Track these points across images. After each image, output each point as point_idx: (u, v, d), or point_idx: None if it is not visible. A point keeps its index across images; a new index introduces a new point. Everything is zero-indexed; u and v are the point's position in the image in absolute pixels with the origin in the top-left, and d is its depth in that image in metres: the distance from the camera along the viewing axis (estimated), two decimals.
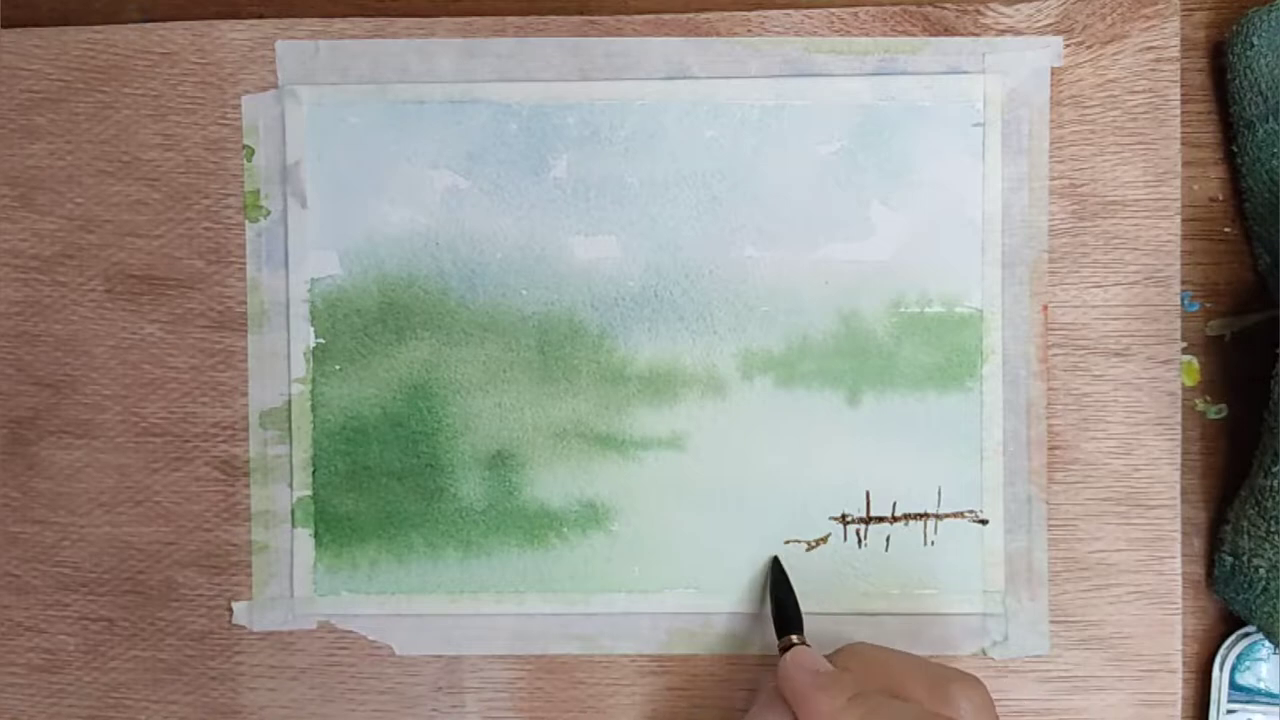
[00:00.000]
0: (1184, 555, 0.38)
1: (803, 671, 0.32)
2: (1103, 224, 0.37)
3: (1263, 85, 0.36)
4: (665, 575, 0.38)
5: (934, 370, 0.38)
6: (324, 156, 0.38)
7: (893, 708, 0.31)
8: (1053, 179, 0.37)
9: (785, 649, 0.35)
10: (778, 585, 0.37)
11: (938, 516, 0.38)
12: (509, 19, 0.38)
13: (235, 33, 0.38)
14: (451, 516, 0.38)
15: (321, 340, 0.38)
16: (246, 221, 0.38)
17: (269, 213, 0.38)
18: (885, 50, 0.37)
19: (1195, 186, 0.38)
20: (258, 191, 0.38)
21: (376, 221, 0.38)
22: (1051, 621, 0.37)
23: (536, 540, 0.38)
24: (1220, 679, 0.38)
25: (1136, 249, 0.37)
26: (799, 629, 0.36)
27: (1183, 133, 0.37)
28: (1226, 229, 0.38)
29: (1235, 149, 0.38)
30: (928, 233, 0.38)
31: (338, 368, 0.38)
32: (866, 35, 0.37)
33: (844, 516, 0.38)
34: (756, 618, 0.38)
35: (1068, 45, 0.37)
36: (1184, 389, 0.38)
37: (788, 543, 0.38)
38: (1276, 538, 0.35)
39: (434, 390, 0.38)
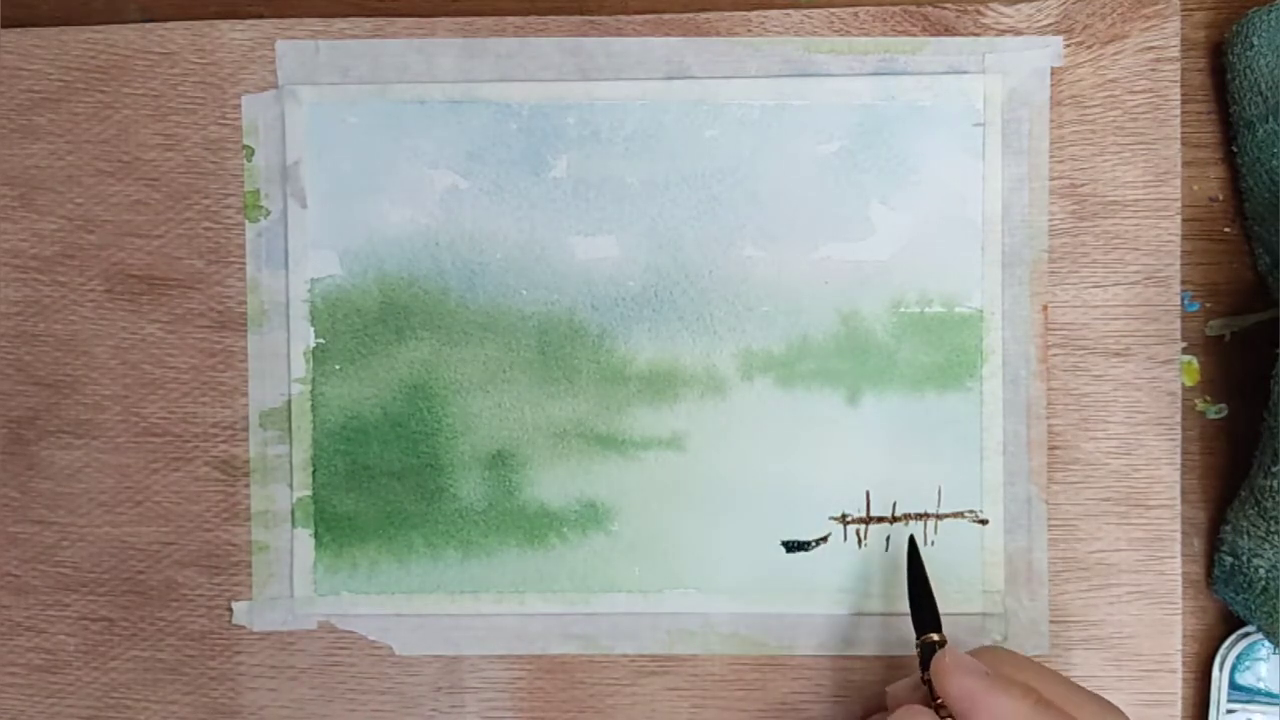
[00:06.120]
0: (1184, 555, 0.38)
1: (972, 675, 0.31)
2: (1103, 224, 0.37)
3: (1263, 85, 0.36)
4: (665, 575, 0.38)
5: (934, 370, 0.38)
6: (324, 156, 0.38)
7: None
8: (1053, 179, 0.37)
9: (925, 647, 0.33)
10: (915, 574, 0.35)
11: (938, 516, 0.38)
12: (509, 19, 0.38)
13: (235, 33, 0.38)
14: (451, 516, 0.38)
15: (321, 340, 0.38)
16: (246, 221, 0.38)
17: (269, 213, 0.38)
18: (885, 50, 0.37)
19: (1195, 186, 0.38)
20: (258, 191, 0.38)
21: (376, 221, 0.38)
22: (1051, 621, 0.37)
23: (536, 540, 0.38)
24: (1220, 679, 0.38)
25: (1136, 249, 0.37)
26: (939, 626, 0.34)
27: (1183, 133, 0.37)
28: (1226, 229, 0.38)
29: (1235, 149, 0.38)
30: (928, 233, 0.38)
31: (338, 368, 0.38)
32: (866, 35, 0.37)
33: (844, 516, 0.38)
34: (757, 617, 0.38)
35: (1068, 45, 0.37)
36: (1184, 389, 0.38)
37: (786, 542, 0.38)
38: (1276, 538, 0.35)
39: (434, 390, 0.38)
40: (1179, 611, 0.37)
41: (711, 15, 0.38)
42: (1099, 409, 0.37)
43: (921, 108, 0.38)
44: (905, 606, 0.38)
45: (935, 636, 0.34)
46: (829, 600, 0.38)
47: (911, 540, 0.36)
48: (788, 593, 0.38)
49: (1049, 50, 0.37)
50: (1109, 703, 0.32)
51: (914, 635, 0.34)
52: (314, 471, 0.38)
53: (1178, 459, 0.37)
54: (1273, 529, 0.35)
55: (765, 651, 0.38)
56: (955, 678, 0.31)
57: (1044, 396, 0.37)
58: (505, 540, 0.38)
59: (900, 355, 0.38)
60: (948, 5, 0.38)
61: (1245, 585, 0.36)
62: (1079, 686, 0.32)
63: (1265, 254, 0.37)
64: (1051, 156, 0.37)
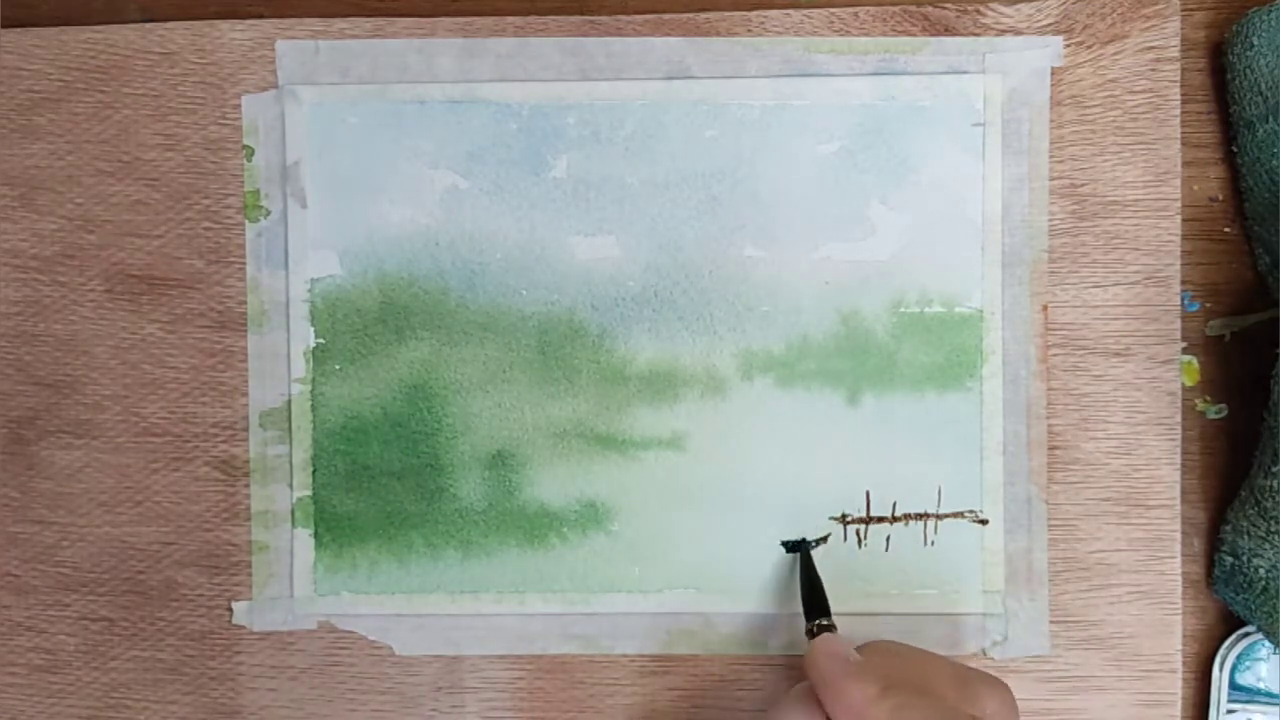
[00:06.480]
0: (1184, 555, 0.38)
1: (833, 659, 0.32)
2: (1103, 224, 0.37)
3: (1263, 85, 0.36)
4: (665, 575, 0.38)
5: (934, 370, 0.38)
6: (324, 156, 0.38)
7: (924, 704, 0.30)
8: (1053, 179, 0.37)
9: (813, 634, 0.35)
10: (806, 569, 0.37)
11: (938, 516, 0.38)
12: (509, 19, 0.38)
13: (235, 33, 0.38)
14: (451, 516, 0.38)
15: (321, 340, 0.38)
16: (246, 221, 0.38)
17: (269, 213, 0.38)
18: (885, 50, 0.37)
19: (1195, 186, 0.38)
20: (258, 191, 0.38)
21: (376, 221, 0.38)
22: (1051, 621, 0.37)
23: (536, 540, 0.38)
24: (1220, 679, 0.38)
25: (1136, 249, 0.37)
26: (828, 613, 0.35)
27: (1183, 133, 0.37)
28: (1226, 229, 0.38)
29: (1235, 149, 0.38)
30: (928, 233, 0.38)
31: (338, 368, 0.38)
32: (866, 35, 0.37)
33: (844, 516, 0.38)
34: (757, 618, 0.38)
35: (1068, 45, 0.37)
36: (1184, 389, 0.38)
37: (786, 543, 0.38)
38: (1276, 538, 0.35)
39: (434, 390, 0.38)
40: (1179, 611, 0.37)
41: (711, 15, 0.38)
42: (1099, 409, 0.37)
43: (921, 108, 0.38)
44: (905, 607, 0.38)
45: (825, 621, 0.35)
46: (829, 600, 0.37)
47: (804, 541, 0.37)
48: (788, 593, 0.38)
49: (1049, 50, 0.37)
50: (998, 689, 0.32)
51: (810, 627, 0.35)
52: (314, 471, 0.38)
53: (1178, 459, 0.37)
54: (1273, 529, 0.35)
55: (765, 651, 0.38)
56: (818, 660, 0.32)
57: (1044, 396, 0.37)
58: (505, 540, 0.38)
59: (900, 355, 0.38)
60: (948, 5, 0.38)
61: (1245, 585, 0.36)
62: (970, 675, 0.33)
63: (1265, 254, 0.37)
64: (1051, 156, 0.37)
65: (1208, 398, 0.39)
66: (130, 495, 0.38)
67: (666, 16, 0.38)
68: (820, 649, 0.32)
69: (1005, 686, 0.32)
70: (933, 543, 0.38)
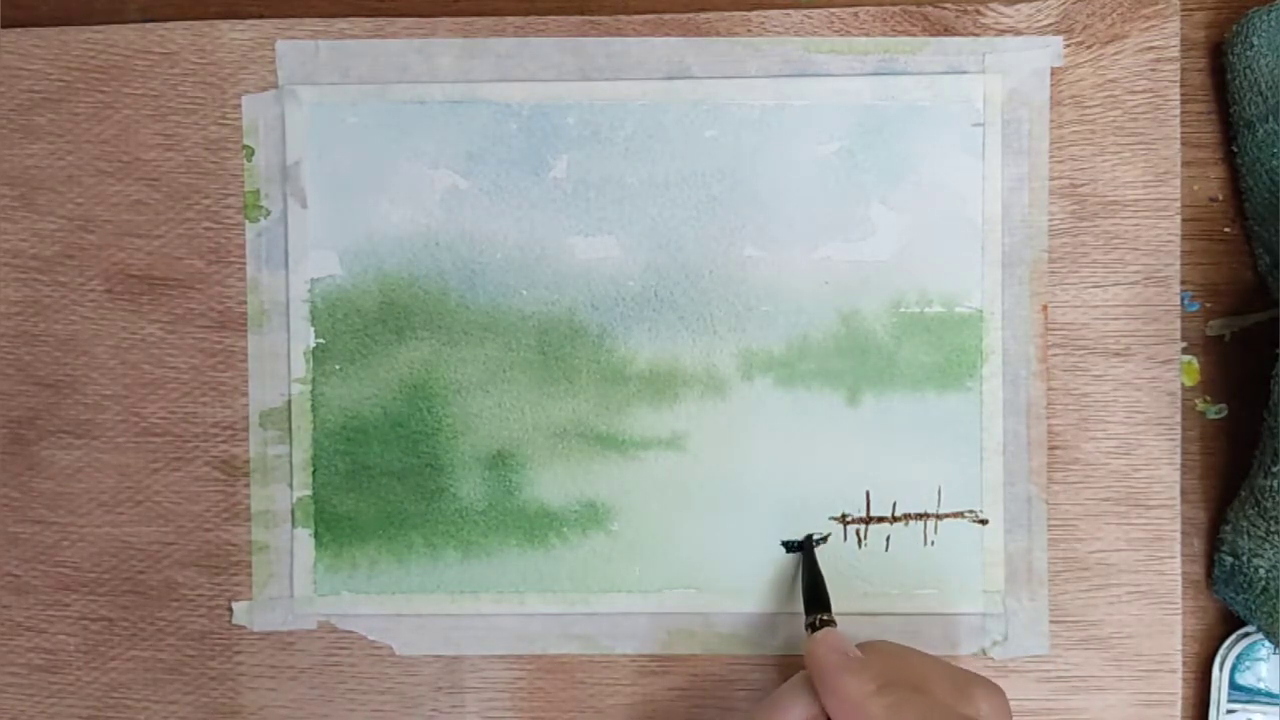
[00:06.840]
0: (1184, 555, 0.38)
1: (832, 653, 0.32)
2: (1103, 224, 0.37)
3: (1263, 85, 0.36)
4: (665, 575, 0.38)
5: (934, 370, 0.38)
6: (324, 156, 0.38)
7: (920, 701, 0.31)
8: (1053, 179, 0.37)
9: (813, 628, 0.35)
10: (808, 564, 0.37)
11: (938, 516, 0.38)
12: (509, 19, 0.38)
13: (235, 33, 0.38)
14: (451, 516, 0.38)
15: (321, 340, 0.38)
16: (246, 221, 0.38)
17: (269, 213, 0.38)
18: (885, 50, 0.37)
19: (1195, 186, 0.38)
20: (258, 191, 0.38)
21: (376, 221, 0.38)
22: (1051, 621, 0.37)
23: (536, 540, 0.38)
24: (1220, 679, 0.38)
25: (1136, 249, 0.37)
26: (828, 609, 0.35)
27: (1183, 133, 0.37)
28: (1226, 229, 0.38)
29: (1235, 149, 0.38)
30: (928, 233, 0.38)
31: (338, 368, 0.38)
32: (866, 35, 0.37)
33: (844, 516, 0.38)
34: (757, 617, 0.38)
35: (1068, 45, 0.37)
36: (1184, 389, 0.38)
37: (786, 543, 0.38)
38: (1276, 538, 0.35)
39: (434, 390, 0.38)
40: (1179, 611, 0.37)
41: (711, 15, 0.38)
42: (1099, 409, 0.37)
43: (921, 108, 0.38)
44: (905, 607, 0.38)
45: (825, 616, 0.35)
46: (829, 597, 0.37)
47: (809, 537, 0.37)
48: (788, 593, 0.38)
49: (1049, 50, 0.37)
50: (993, 692, 0.33)
51: (810, 621, 0.35)
52: (314, 471, 0.38)
53: (1178, 459, 0.37)
54: (1273, 529, 0.35)
55: (765, 651, 0.38)
56: (818, 653, 0.32)
57: (1044, 396, 0.37)
58: (505, 540, 0.38)
59: (900, 355, 0.38)
60: (948, 5, 0.38)
61: (1245, 585, 0.36)
62: (966, 678, 0.33)
63: (1265, 254, 0.37)
64: (1051, 156, 0.37)
65: (1208, 398, 0.39)
66: (130, 495, 0.38)
67: (666, 16, 0.38)
68: (821, 642, 0.33)
69: (1000, 690, 0.33)
70: (933, 543, 0.38)
